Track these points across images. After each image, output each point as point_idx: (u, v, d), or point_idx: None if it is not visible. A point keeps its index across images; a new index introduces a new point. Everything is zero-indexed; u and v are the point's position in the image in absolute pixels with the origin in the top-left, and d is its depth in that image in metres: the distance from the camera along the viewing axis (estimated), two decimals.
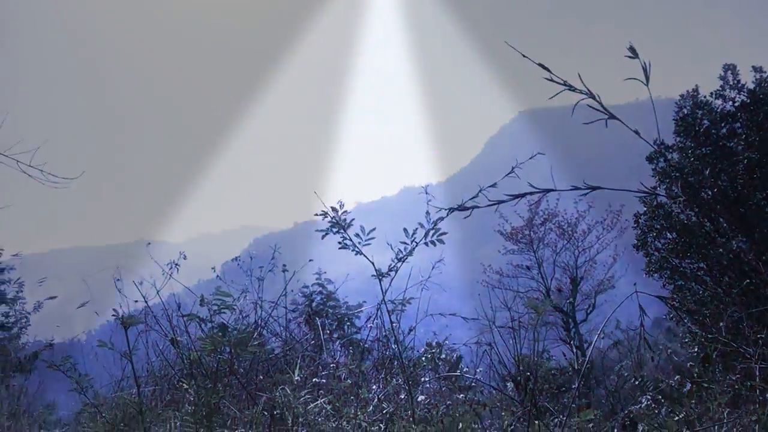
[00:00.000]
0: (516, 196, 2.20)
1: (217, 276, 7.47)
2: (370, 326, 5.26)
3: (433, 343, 8.47)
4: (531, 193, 2.19)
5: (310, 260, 7.48)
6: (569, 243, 23.29)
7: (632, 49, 1.73)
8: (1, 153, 7.70)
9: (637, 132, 2.07)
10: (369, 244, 3.90)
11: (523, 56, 1.89)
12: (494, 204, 2.29)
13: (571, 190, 2.21)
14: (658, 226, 18.82)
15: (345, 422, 3.45)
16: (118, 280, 6.57)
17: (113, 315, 3.99)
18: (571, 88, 1.87)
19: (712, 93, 18.09)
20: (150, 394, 5.30)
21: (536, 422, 3.04)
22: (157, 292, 6.55)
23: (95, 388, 6.20)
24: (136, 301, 6.62)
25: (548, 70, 1.85)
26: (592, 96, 1.87)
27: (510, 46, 1.94)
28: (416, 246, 3.89)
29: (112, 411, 3.86)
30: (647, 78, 1.77)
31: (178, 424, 3.56)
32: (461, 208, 2.48)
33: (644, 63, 1.78)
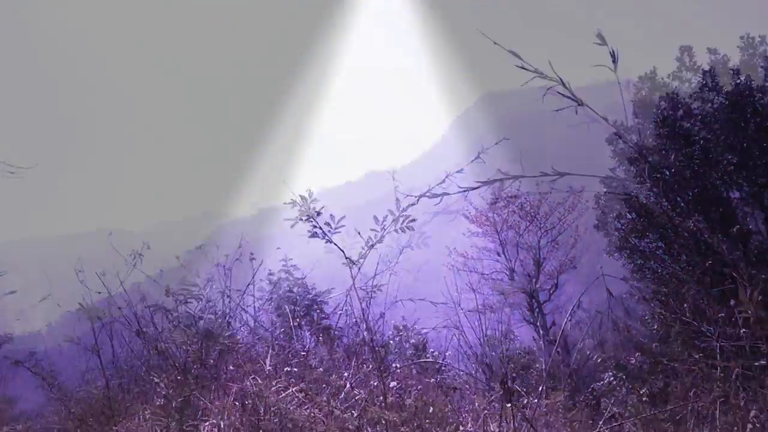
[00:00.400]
0: (486, 183, 2.22)
1: (182, 265, 7.36)
2: (340, 313, 5.27)
3: (400, 327, 8.53)
4: (502, 180, 2.21)
5: (278, 248, 7.43)
6: (532, 224, 23.61)
7: (600, 36, 1.76)
8: None
9: (605, 119, 2.10)
10: (339, 232, 3.89)
11: (495, 43, 1.90)
12: (465, 191, 2.30)
13: (540, 176, 2.23)
14: (618, 207, 19.20)
15: (317, 410, 3.45)
16: (81, 271, 6.44)
17: (79, 309, 3.91)
18: (542, 75, 1.88)
19: (669, 74, 18.49)
20: (116, 387, 5.22)
21: (508, 405, 3.10)
22: (121, 284, 6.43)
23: (60, 381, 6.10)
24: (99, 293, 6.49)
25: (519, 58, 1.86)
26: (561, 83, 1.89)
27: (482, 33, 1.95)
28: (386, 233, 3.90)
29: (80, 405, 3.79)
30: (615, 64, 1.80)
31: (147, 417, 3.52)
32: (432, 195, 2.49)
33: (612, 50, 1.81)
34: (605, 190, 20.18)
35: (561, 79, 1.89)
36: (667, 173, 18.81)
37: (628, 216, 19.98)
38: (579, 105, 1.94)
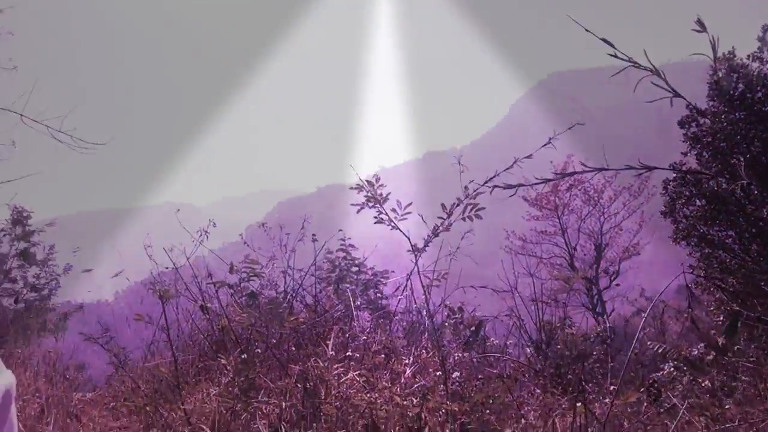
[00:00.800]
0: (565, 174, 2.12)
1: (244, 242, 7.50)
2: (399, 297, 5.25)
3: (455, 308, 8.45)
4: (580, 173, 2.10)
5: (340, 230, 7.46)
6: (595, 209, 23.01)
7: (700, 23, 1.63)
8: (32, 119, 7.77)
9: (699, 111, 1.96)
10: (405, 218, 3.84)
11: (587, 30, 1.79)
12: (542, 182, 2.21)
13: (624, 170, 2.11)
14: (687, 193, 18.46)
15: (378, 395, 3.44)
16: (149, 246, 6.64)
17: (150, 289, 4.01)
18: (636, 65, 1.77)
19: (749, 55, 17.44)
20: (182, 362, 5.36)
21: (577, 404, 3.01)
22: (187, 259, 6.61)
23: (128, 354, 6.33)
24: (166, 268, 6.68)
25: (612, 45, 1.75)
26: (657, 73, 1.76)
27: (573, 20, 1.84)
28: (453, 221, 3.83)
29: (149, 384, 3.91)
30: (715, 53, 1.67)
31: (213, 395, 3.59)
32: (506, 186, 2.40)
33: (712, 38, 1.67)
34: (674, 174, 19.44)
35: (655, 68, 1.77)
36: (741, 159, 17.94)
37: (698, 202, 19.20)
38: (674, 96, 1.82)
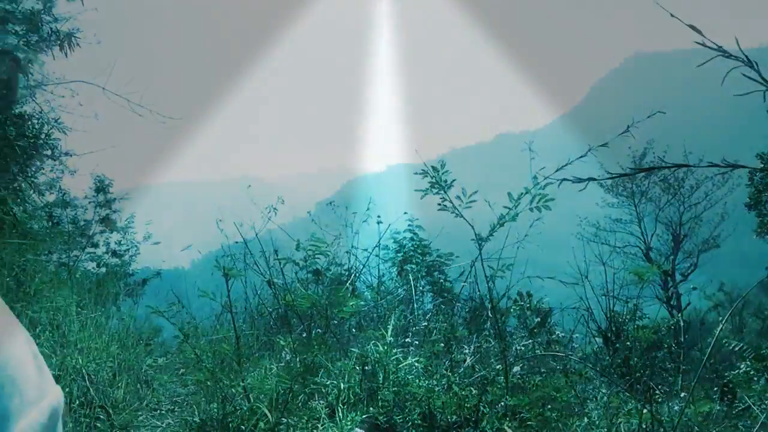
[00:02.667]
0: (643, 170, 1.99)
1: (313, 220, 7.60)
2: (463, 283, 5.17)
3: (524, 294, 8.30)
4: (658, 168, 1.97)
5: (405, 213, 7.43)
6: (674, 198, 22.08)
7: None
8: (113, 92, 8.09)
9: None
10: (470, 207, 3.76)
11: (672, 15, 1.65)
12: (615, 177, 2.08)
13: (707, 166, 1.97)
14: None
15: (435, 383, 3.41)
16: (221, 220, 6.83)
17: (215, 266, 4.10)
18: (726, 54, 1.63)
19: None
20: (246, 335, 5.50)
21: (645, 410, 2.87)
22: (256, 235, 6.75)
23: (196, 323, 6.53)
24: (236, 242, 6.86)
25: (700, 33, 1.61)
26: (749, 64, 1.62)
27: (660, 6, 1.70)
28: (520, 212, 3.72)
29: (213, 357, 4.02)
30: None
31: (273, 372, 3.65)
32: (576, 180, 2.28)
33: None
34: (762, 165, 18.39)
35: (748, 58, 1.62)
36: None
37: None
38: (767, 90, 1.66)
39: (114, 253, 16.22)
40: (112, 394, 4.46)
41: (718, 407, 4.77)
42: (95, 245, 15.90)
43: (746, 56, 1.61)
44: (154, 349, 7.52)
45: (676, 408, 3.42)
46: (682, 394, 3.43)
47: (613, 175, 2.07)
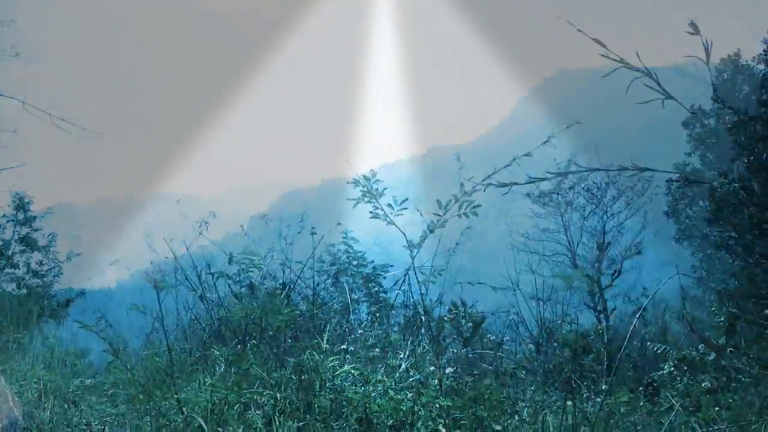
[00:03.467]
0: (559, 174, 2.12)
1: (245, 233, 7.54)
2: (397, 292, 5.27)
3: (458, 304, 8.47)
4: (574, 173, 2.10)
5: (338, 224, 7.49)
6: (598, 208, 22.98)
7: (693, 26, 1.63)
8: (35, 107, 7.81)
9: (695, 112, 1.96)
10: (401, 214, 3.85)
11: (578, 30, 1.79)
12: (533, 181, 2.21)
13: (618, 170, 2.12)
14: (690, 194, 18.45)
15: (372, 389, 3.46)
16: (149, 236, 6.70)
17: (146, 279, 4.04)
18: (628, 66, 1.77)
19: (754, 57, 17.40)
20: (179, 350, 5.40)
21: (569, 403, 3.02)
22: (187, 249, 6.65)
23: (125, 339, 6.37)
24: (166, 257, 6.73)
25: (603, 46, 1.75)
26: (649, 75, 1.77)
27: (568, 22, 1.84)
28: (448, 219, 3.84)
29: (144, 372, 3.94)
30: (708, 56, 1.67)
31: (207, 384, 3.61)
32: (499, 184, 2.40)
33: (706, 42, 1.68)
34: (678, 175, 19.39)
35: (647, 69, 1.77)
36: (746, 160, 17.87)
37: (700, 203, 19.17)
38: (666, 98, 1.82)
39: (35, 274, 15.56)
40: (38, 416, 4.30)
41: (642, 403, 5.01)
42: (14, 266, 15.22)
43: (646, 68, 1.77)
44: (80, 370, 7.26)
45: (598, 400, 3.59)
46: (603, 386, 3.61)
47: (532, 179, 2.20)
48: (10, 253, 14.82)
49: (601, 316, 21.43)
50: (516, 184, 2.37)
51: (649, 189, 23.00)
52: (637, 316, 3.50)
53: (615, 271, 23.65)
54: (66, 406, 4.88)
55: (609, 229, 23.18)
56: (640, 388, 7.43)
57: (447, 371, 3.73)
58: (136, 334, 7.02)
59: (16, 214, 14.93)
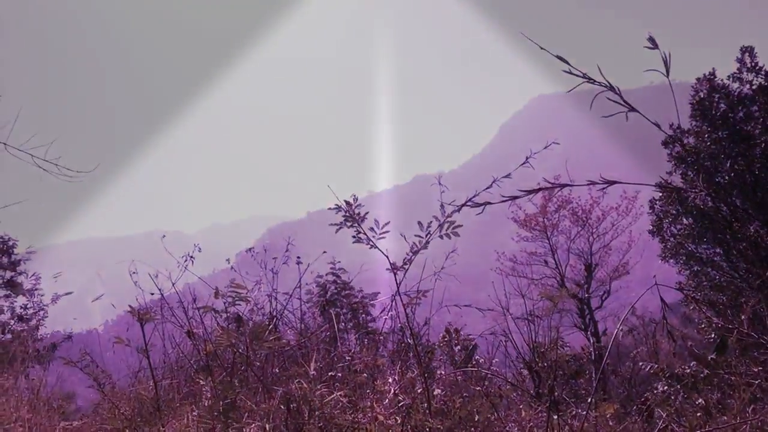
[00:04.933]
0: (530, 192, 2.17)
1: (231, 267, 7.51)
2: (385, 318, 5.27)
3: (452, 330, 8.46)
4: (546, 189, 2.15)
5: (324, 252, 7.50)
6: (583, 229, 23.17)
7: (652, 40, 1.69)
8: (16, 148, 7.79)
9: (657, 125, 2.03)
10: (383, 237, 3.88)
11: (541, 48, 1.85)
12: (508, 200, 2.26)
13: (587, 185, 2.17)
14: (674, 212, 18.64)
15: (361, 415, 3.44)
16: (134, 272, 6.65)
17: (128, 311, 4.02)
18: (591, 81, 1.83)
19: (729, 76, 17.77)
20: (167, 387, 5.34)
21: (555, 417, 3.02)
22: (173, 285, 6.61)
23: (113, 380, 6.28)
24: (152, 294, 6.68)
25: (566, 62, 1.81)
26: (611, 89, 1.82)
27: (527, 37, 1.90)
28: (431, 239, 3.87)
29: (130, 404, 3.89)
30: (667, 69, 1.73)
31: (195, 418, 3.58)
32: (474, 204, 2.45)
33: (664, 54, 1.74)
34: (660, 194, 19.65)
35: (610, 83, 1.83)
36: (726, 177, 18.14)
37: (685, 221, 19.35)
38: (629, 110, 1.88)
39: (20, 318, 15.37)
40: None
41: (632, 420, 5.01)
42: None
43: (608, 82, 1.82)
44: (68, 414, 7.14)
45: (584, 414, 3.59)
46: (588, 399, 3.62)
47: (505, 198, 2.25)
48: None
49: (592, 337, 21.43)
50: (489, 203, 2.41)
51: (633, 209, 23.24)
52: (618, 327, 3.52)
53: (604, 292, 23.78)
54: None
55: (596, 250, 23.36)
56: (635, 407, 7.41)
57: (436, 393, 3.73)
58: (125, 374, 6.94)
59: (0, 257, 14.82)
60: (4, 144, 7.81)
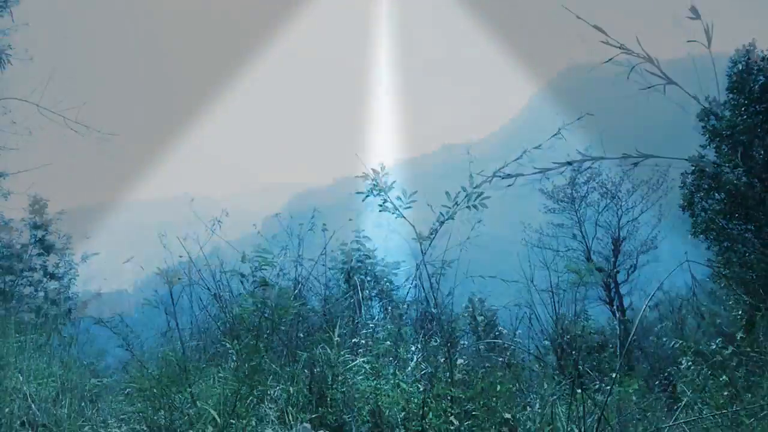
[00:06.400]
0: (562, 165, 2.13)
1: (258, 232, 7.57)
2: (409, 287, 5.29)
3: (475, 300, 8.45)
4: (579, 161, 2.11)
5: (350, 219, 7.51)
6: (612, 202, 22.81)
7: (694, 10, 1.63)
8: (48, 109, 7.92)
9: (696, 98, 1.96)
10: (410, 207, 3.87)
11: (578, 17, 1.80)
12: (539, 172, 2.22)
13: (620, 158, 2.12)
14: (706, 186, 18.22)
15: (383, 382, 3.48)
16: (163, 235, 6.75)
17: (157, 273, 4.09)
18: (628, 52, 1.77)
19: None
20: (193, 348, 5.45)
21: (579, 391, 3.02)
22: (200, 248, 6.70)
23: (141, 340, 6.42)
24: (181, 257, 6.78)
25: (604, 33, 1.75)
26: (650, 60, 1.77)
27: (565, 7, 1.84)
28: (457, 210, 3.85)
29: (158, 365, 3.99)
30: (709, 40, 1.67)
31: (220, 379, 3.65)
32: (505, 175, 2.41)
33: (706, 25, 1.67)
34: (693, 168, 19.21)
35: (648, 54, 1.77)
36: (762, 153, 17.65)
37: (717, 196, 18.93)
38: (667, 83, 1.82)
39: (52, 276, 15.74)
40: (55, 413, 4.36)
41: (655, 396, 4.99)
42: (32, 269, 15.40)
43: (646, 53, 1.77)
44: (98, 370, 7.33)
45: (608, 388, 3.58)
46: (613, 374, 3.60)
47: (538, 171, 2.21)
48: (27, 255, 15.01)
49: (617, 311, 21.30)
50: (521, 175, 2.37)
51: (665, 182, 22.78)
52: (646, 304, 3.48)
53: (630, 266, 23.50)
54: (83, 404, 4.94)
55: (624, 223, 23.01)
56: (657, 382, 7.39)
57: (458, 362, 3.75)
58: (152, 334, 7.09)
59: (33, 217, 15.12)
60: (37, 105, 7.92)
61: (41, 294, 14.92)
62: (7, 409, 3.99)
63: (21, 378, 4.45)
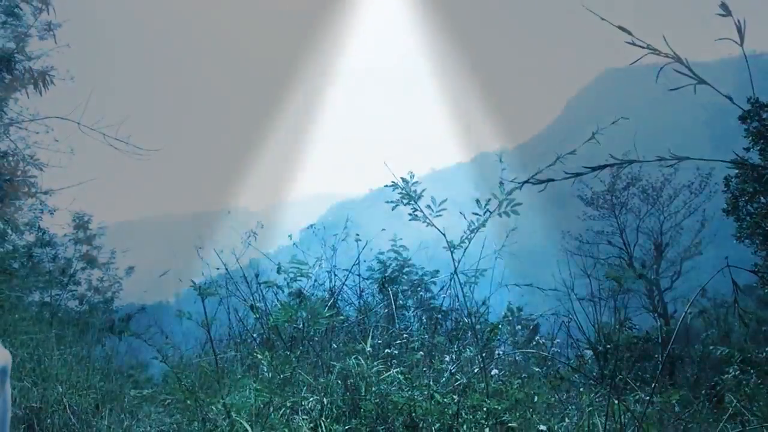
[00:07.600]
0: (595, 168, 2.08)
1: (294, 244, 7.64)
2: (444, 296, 5.24)
3: (514, 309, 8.35)
4: (612, 165, 2.06)
5: (383, 230, 7.52)
6: (654, 208, 22.34)
7: (724, 6, 1.57)
8: (88, 126, 8.16)
9: (729, 98, 1.89)
10: (440, 215, 3.84)
11: (602, 19, 1.76)
12: (572, 176, 2.17)
13: (656, 161, 2.06)
14: (751, 190, 17.73)
15: (417, 393, 3.45)
16: (201, 248, 6.87)
17: (191, 286, 4.15)
18: (655, 51, 1.72)
19: None
20: (230, 359, 5.50)
21: (616, 402, 2.93)
22: (237, 260, 6.79)
23: (180, 351, 6.52)
24: (218, 269, 6.89)
25: (629, 33, 1.71)
26: (678, 60, 1.71)
27: (588, 9, 1.80)
28: (488, 217, 3.80)
29: (193, 376, 4.03)
30: (741, 38, 1.61)
31: (253, 388, 3.67)
32: (536, 181, 2.37)
33: (738, 22, 1.61)
34: (737, 171, 18.71)
35: (676, 54, 1.72)
36: None
37: (762, 200, 18.39)
38: (698, 83, 1.76)
39: (96, 290, 16.13)
40: (95, 424, 4.44)
41: (700, 407, 4.83)
42: (77, 283, 15.80)
43: (675, 53, 1.70)
44: (139, 382, 7.46)
45: (647, 399, 3.48)
46: (653, 384, 3.49)
47: (568, 175, 2.16)
48: (72, 271, 15.41)
49: (661, 319, 20.79)
50: (551, 180, 2.33)
51: (707, 186, 22.23)
52: (686, 311, 3.37)
53: (674, 273, 22.93)
54: (123, 415, 5.02)
55: (666, 229, 22.51)
56: (703, 391, 7.16)
57: (493, 373, 3.68)
58: (192, 345, 7.20)
59: (77, 232, 15.52)
60: (78, 123, 8.15)
61: (86, 307, 15.28)
62: (48, 420, 4.08)
63: (61, 389, 4.55)
